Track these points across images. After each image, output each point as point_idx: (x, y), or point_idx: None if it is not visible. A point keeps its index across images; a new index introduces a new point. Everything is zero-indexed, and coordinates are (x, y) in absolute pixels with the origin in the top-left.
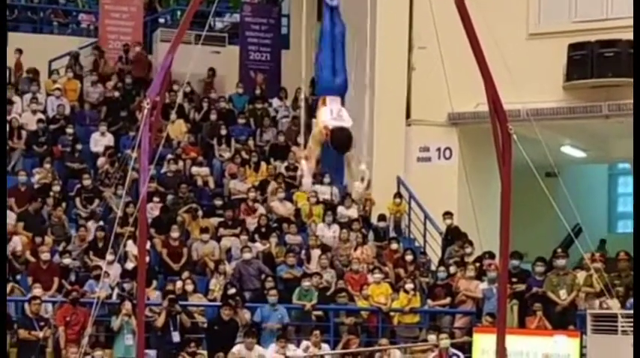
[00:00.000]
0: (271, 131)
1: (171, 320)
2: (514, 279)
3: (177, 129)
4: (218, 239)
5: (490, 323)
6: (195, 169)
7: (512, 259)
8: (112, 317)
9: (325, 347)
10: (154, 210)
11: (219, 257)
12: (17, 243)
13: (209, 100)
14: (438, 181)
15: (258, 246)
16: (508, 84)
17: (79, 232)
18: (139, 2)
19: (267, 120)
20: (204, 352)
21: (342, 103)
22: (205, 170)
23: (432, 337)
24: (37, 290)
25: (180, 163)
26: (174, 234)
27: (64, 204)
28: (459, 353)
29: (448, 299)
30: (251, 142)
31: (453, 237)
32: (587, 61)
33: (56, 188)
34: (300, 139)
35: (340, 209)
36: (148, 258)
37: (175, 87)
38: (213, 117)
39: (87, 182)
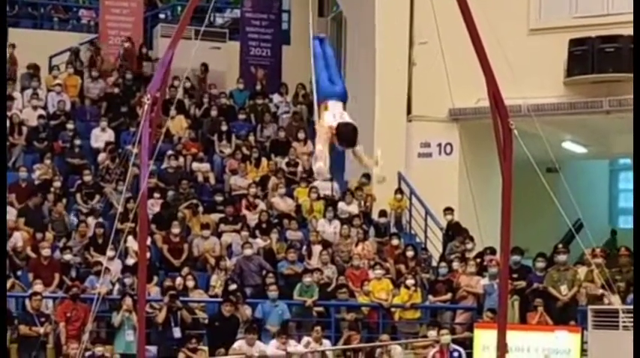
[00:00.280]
0: (272, 127)
1: (172, 316)
2: (515, 275)
3: (177, 124)
4: (219, 235)
5: (491, 319)
6: (195, 165)
7: (513, 255)
8: (112, 313)
9: (326, 342)
10: (154, 206)
11: (220, 253)
12: (18, 238)
13: (209, 96)
14: (439, 177)
15: (259, 242)
16: (509, 79)
17: (79, 228)
18: None
19: (268, 115)
20: (205, 348)
21: (344, 108)
22: (206, 166)
23: (432, 333)
24: (38, 286)
25: (181, 159)
26: (175, 230)
27: (64, 200)
28: (460, 349)
29: (449, 295)
30: (252, 138)
31: (454, 232)
32: (588, 56)
33: (57, 184)
34: (301, 135)
35: (341, 205)
36: (148, 254)
37: (176, 83)
38: (213, 112)
39: (87, 178)
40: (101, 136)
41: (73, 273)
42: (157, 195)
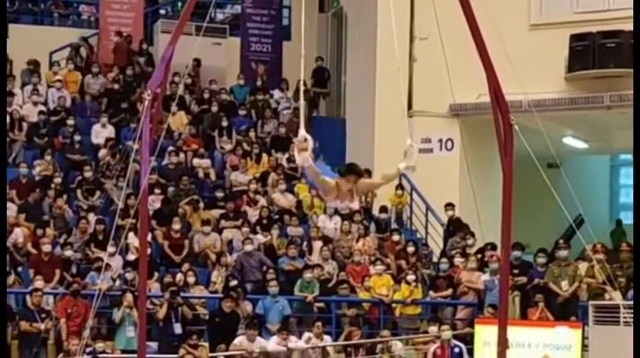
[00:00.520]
0: (272, 123)
1: (173, 312)
2: (516, 271)
3: (178, 120)
4: (219, 231)
5: (492, 315)
6: (196, 161)
7: (514, 250)
8: (113, 309)
9: (327, 338)
10: (155, 202)
11: (221, 249)
12: (19, 234)
13: (210, 92)
14: (440, 172)
15: (260, 238)
16: (510, 75)
17: (80, 224)
18: None
19: (269, 111)
20: (206, 344)
21: None
22: (206, 162)
23: (433, 328)
24: (39, 283)
25: (182, 155)
26: (176, 226)
27: (65, 196)
28: (461, 345)
29: (450, 291)
30: (252, 134)
31: (455, 228)
32: (589, 51)
33: (57, 180)
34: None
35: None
36: (149, 250)
37: (176, 79)
38: (214, 108)
39: (88, 174)
40: (102, 132)
41: (74, 269)
42: (157, 191)
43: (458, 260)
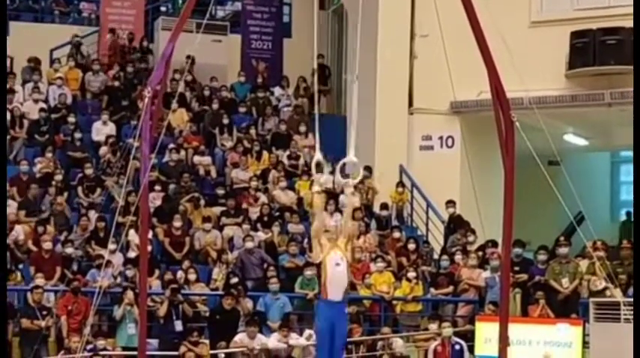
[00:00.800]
0: (273, 120)
1: (174, 310)
2: (517, 268)
3: (178, 118)
4: (220, 228)
5: (493, 312)
6: (197, 158)
7: (515, 247)
8: (114, 306)
9: None
10: (156, 199)
11: (222, 246)
12: (19, 232)
13: (210, 89)
14: (441, 170)
15: (261, 235)
16: (511, 72)
17: (80, 221)
18: None
19: (269, 109)
20: (207, 341)
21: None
22: (207, 159)
23: (434, 326)
24: (40, 280)
25: (182, 152)
26: (177, 223)
27: (65, 194)
28: (462, 342)
29: (451, 288)
30: (253, 131)
31: (456, 225)
32: (590, 48)
33: (58, 177)
34: (302, 128)
35: (342, 198)
36: (150, 248)
37: (177, 76)
38: (215, 106)
39: (89, 171)
40: (102, 129)
41: (75, 267)
42: (158, 188)
43: (459, 257)
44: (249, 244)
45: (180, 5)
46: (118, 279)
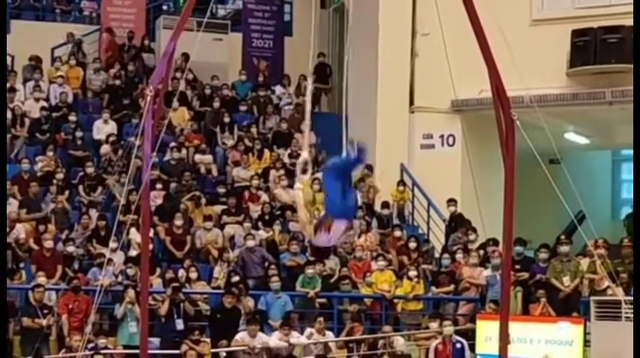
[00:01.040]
0: (274, 118)
1: (175, 308)
2: (517, 266)
3: (180, 116)
4: (221, 226)
5: (494, 310)
6: (198, 157)
7: (516, 246)
8: (115, 304)
9: (329, 334)
10: (157, 197)
11: (223, 245)
12: (20, 230)
13: (212, 88)
14: (442, 168)
15: (262, 234)
16: (511, 70)
17: (82, 220)
18: None
19: (270, 107)
20: (208, 339)
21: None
22: (208, 157)
23: (435, 324)
24: (41, 278)
25: (183, 151)
26: (178, 221)
27: (67, 192)
28: (463, 340)
29: (452, 287)
30: (254, 130)
31: (457, 224)
32: (591, 47)
33: (59, 176)
34: (303, 127)
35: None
36: (151, 246)
37: (178, 74)
38: (216, 104)
39: (90, 170)
40: (103, 128)
41: (76, 265)
42: (159, 186)
43: (459, 255)
44: (251, 243)
45: (182, 4)
46: (119, 278)
